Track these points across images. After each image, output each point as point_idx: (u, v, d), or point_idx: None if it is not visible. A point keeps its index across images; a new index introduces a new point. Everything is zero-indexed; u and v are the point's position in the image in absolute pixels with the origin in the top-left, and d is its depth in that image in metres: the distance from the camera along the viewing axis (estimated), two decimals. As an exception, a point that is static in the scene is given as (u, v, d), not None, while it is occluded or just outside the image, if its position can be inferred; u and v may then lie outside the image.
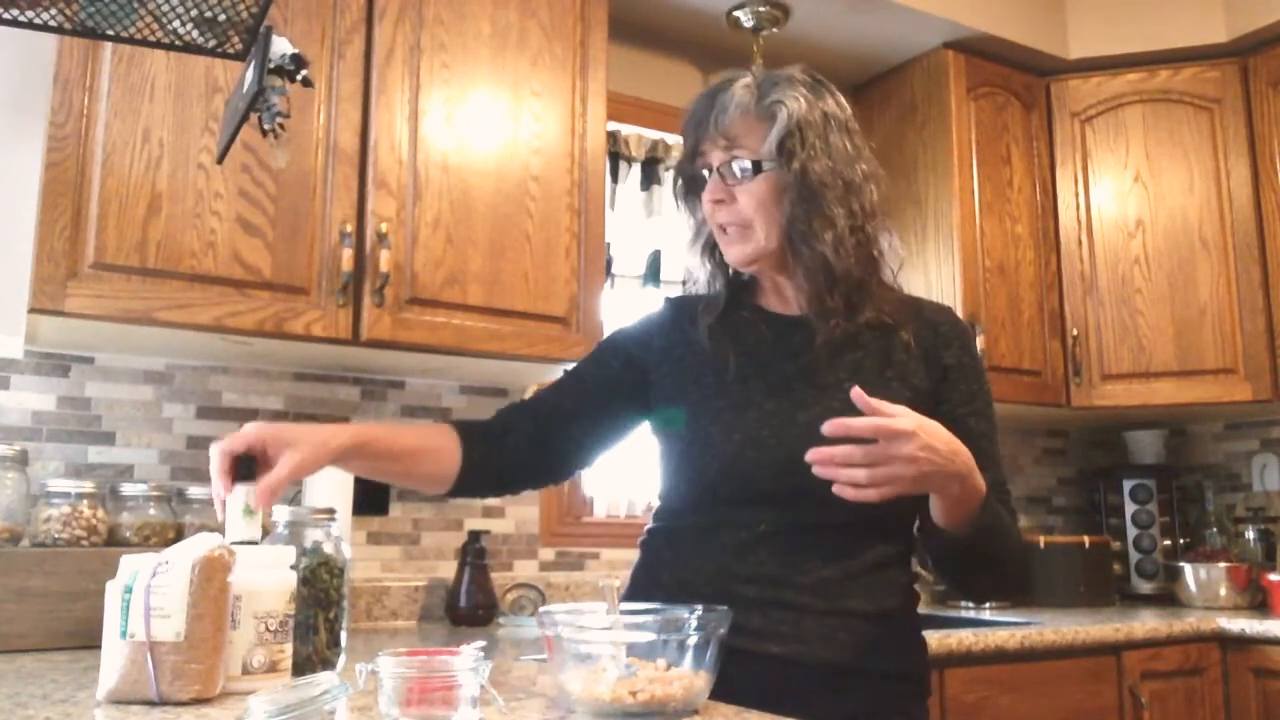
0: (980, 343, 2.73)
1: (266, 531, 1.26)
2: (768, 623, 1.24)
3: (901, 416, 1.08)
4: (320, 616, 1.29)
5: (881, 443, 1.07)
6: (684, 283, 1.51)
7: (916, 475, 1.09)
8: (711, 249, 1.42)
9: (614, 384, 1.43)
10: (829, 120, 1.32)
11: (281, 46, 1.27)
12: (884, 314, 1.34)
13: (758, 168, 1.31)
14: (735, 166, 1.32)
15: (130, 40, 1.26)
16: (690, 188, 1.41)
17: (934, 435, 1.10)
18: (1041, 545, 2.90)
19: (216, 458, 1.18)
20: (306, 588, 1.28)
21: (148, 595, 1.10)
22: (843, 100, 1.37)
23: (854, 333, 1.33)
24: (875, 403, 1.08)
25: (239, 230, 1.84)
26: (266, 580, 1.19)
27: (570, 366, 1.51)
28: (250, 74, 1.27)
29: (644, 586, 1.36)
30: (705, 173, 1.36)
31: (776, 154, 1.30)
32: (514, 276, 2.10)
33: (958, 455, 1.13)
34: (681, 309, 1.46)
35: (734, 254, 1.36)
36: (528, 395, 1.53)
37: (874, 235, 1.33)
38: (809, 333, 1.34)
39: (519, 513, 2.47)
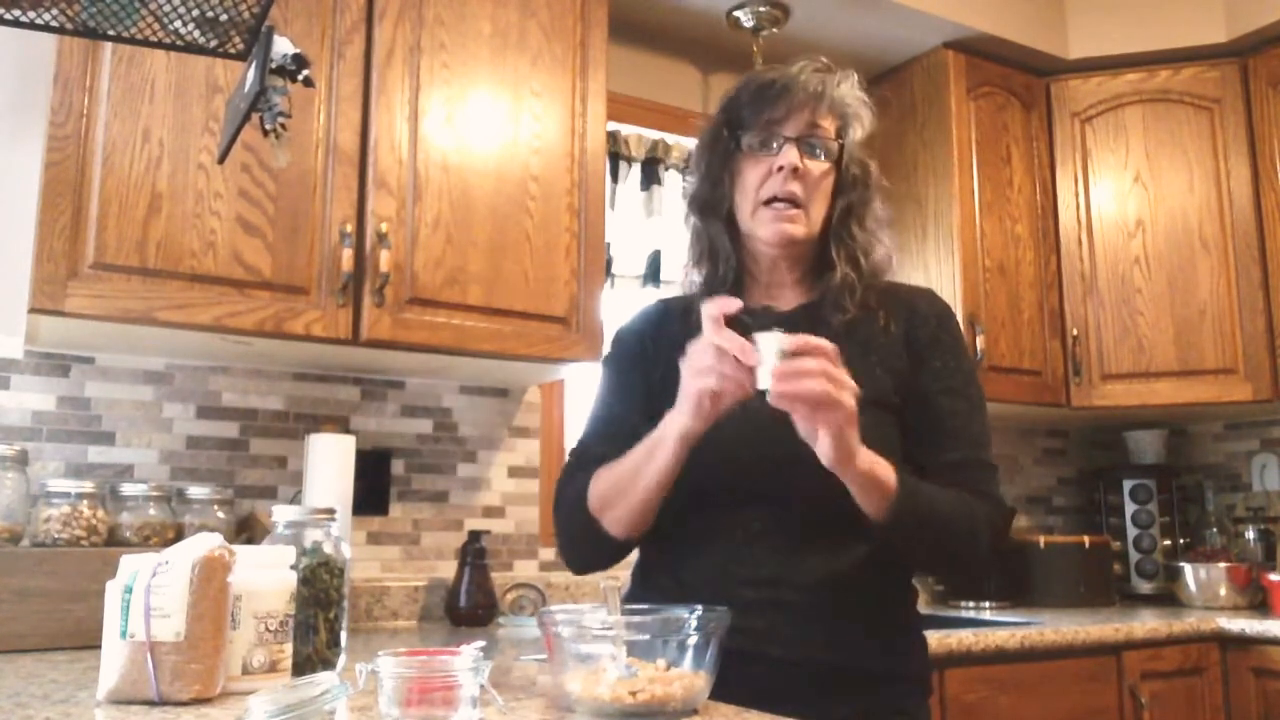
0: (980, 343, 2.73)
1: None
2: (767, 625, 1.24)
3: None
4: (320, 616, 1.29)
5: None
6: (685, 269, 1.49)
7: (824, 393, 1.09)
8: (728, 222, 1.40)
9: (644, 394, 1.39)
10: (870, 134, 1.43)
11: (283, 46, 1.27)
12: (869, 302, 1.38)
13: (838, 155, 1.36)
14: (817, 146, 1.34)
15: (131, 40, 1.26)
16: (728, 151, 1.39)
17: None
18: (1041, 545, 2.90)
19: (713, 322, 1.14)
20: (306, 588, 1.28)
21: (148, 595, 1.10)
22: None
23: (845, 323, 1.35)
24: None
25: (239, 230, 1.84)
26: (266, 580, 1.19)
27: (594, 392, 1.46)
28: (252, 74, 1.27)
29: (643, 587, 1.36)
30: (772, 142, 1.34)
31: (852, 150, 1.37)
32: (514, 276, 2.10)
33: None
34: (674, 309, 1.46)
35: (779, 230, 1.34)
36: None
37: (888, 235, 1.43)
38: (796, 331, 1.34)
39: (519, 513, 2.47)
